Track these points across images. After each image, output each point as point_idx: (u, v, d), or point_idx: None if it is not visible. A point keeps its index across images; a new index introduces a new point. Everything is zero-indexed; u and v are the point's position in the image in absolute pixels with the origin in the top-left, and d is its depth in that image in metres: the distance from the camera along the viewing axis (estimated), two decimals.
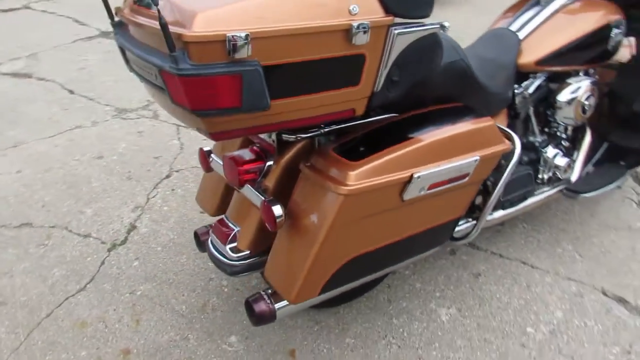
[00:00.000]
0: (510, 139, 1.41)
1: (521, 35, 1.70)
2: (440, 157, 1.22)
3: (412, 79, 1.21)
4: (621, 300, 1.76)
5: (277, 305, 1.26)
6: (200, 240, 1.55)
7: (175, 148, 2.55)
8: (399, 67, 1.16)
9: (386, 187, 1.16)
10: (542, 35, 1.70)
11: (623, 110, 1.87)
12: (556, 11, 1.74)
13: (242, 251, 1.35)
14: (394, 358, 1.52)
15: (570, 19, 1.71)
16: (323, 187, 1.15)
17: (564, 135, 1.89)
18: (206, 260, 1.85)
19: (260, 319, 1.25)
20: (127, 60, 1.24)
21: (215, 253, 1.38)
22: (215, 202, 1.56)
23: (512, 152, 1.41)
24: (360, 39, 1.03)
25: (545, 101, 1.80)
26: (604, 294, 1.78)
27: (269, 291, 1.29)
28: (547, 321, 1.66)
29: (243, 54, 0.93)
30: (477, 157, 1.28)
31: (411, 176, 1.17)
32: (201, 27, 0.90)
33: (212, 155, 1.48)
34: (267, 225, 1.20)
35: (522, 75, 1.70)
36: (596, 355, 1.55)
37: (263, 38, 0.94)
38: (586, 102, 1.75)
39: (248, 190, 1.29)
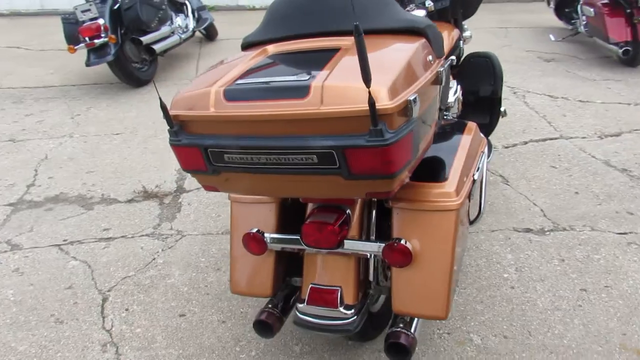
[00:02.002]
0: None
1: None
2: (475, 158, 1.53)
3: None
4: (528, 230, 2.38)
5: (412, 330, 1.36)
6: (269, 325, 1.48)
7: (81, 269, 2.15)
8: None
9: (467, 194, 1.40)
10: None
11: (470, 98, 2.50)
12: None
13: (353, 305, 1.39)
14: (475, 353, 1.77)
15: None
16: (431, 210, 1.32)
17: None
18: (238, 352, 1.72)
19: (410, 348, 1.32)
20: (209, 161, 1.17)
21: (327, 322, 1.38)
22: (270, 280, 1.52)
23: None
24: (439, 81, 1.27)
25: None
26: (517, 230, 2.38)
27: (400, 325, 1.37)
28: (509, 264, 2.15)
29: (416, 111, 1.06)
30: (485, 150, 1.64)
31: (474, 179, 1.45)
32: (390, 97, 1.00)
33: (268, 234, 1.44)
34: (399, 263, 1.30)
35: None
36: (551, 269, 2.10)
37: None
38: (461, 98, 2.30)
39: (350, 245, 1.35)
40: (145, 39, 4.24)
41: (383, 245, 1.32)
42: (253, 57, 1.33)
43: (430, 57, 1.25)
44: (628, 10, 4.36)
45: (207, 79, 1.25)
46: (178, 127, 1.18)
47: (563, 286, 2.01)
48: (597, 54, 5.13)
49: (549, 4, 6.05)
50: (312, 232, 1.34)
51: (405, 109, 1.04)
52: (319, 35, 1.36)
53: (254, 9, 8.29)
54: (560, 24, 5.91)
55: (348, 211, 1.38)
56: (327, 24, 1.36)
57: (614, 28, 4.43)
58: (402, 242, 1.30)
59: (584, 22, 5.00)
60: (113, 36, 3.97)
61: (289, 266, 1.57)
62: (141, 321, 1.87)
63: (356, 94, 1.00)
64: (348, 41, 1.28)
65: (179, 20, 4.94)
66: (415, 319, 1.40)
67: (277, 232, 1.49)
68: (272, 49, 1.37)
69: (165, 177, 2.91)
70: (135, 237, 2.37)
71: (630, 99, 3.95)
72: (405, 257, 1.29)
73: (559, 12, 5.86)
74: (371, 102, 0.95)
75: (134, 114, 3.93)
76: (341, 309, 1.38)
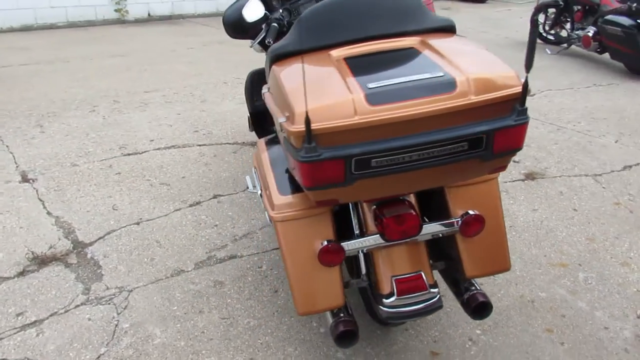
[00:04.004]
0: None
1: None
2: None
3: None
4: None
5: (480, 288, 1.56)
6: (354, 333, 1.47)
7: None
8: None
9: None
10: None
11: None
12: None
13: (434, 283, 1.50)
14: None
15: None
16: (480, 182, 1.53)
17: None
18: None
19: (491, 303, 1.51)
20: (350, 170, 1.15)
21: (422, 305, 1.46)
22: (340, 288, 1.50)
23: None
24: None
25: None
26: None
27: (471, 288, 1.55)
28: None
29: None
30: None
31: None
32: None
33: (346, 242, 1.44)
34: (476, 232, 1.47)
35: None
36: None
37: None
38: None
39: (428, 229, 1.46)
40: None
41: (459, 221, 1.47)
42: (337, 62, 1.31)
43: None
44: None
45: (317, 89, 1.18)
46: (314, 142, 1.11)
47: None
48: None
49: None
50: (397, 226, 1.40)
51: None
52: (368, 39, 1.41)
53: None
54: None
55: (407, 199, 1.49)
56: (371, 29, 1.42)
57: None
58: (474, 212, 1.48)
59: None
60: None
61: None
62: None
63: (499, 81, 1.14)
64: (411, 40, 1.37)
65: None
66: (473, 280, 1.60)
67: (337, 239, 1.49)
68: (337, 53, 1.36)
69: (48, 235, 2.38)
70: (70, 311, 1.91)
71: None
72: (482, 225, 1.48)
73: None
74: (525, 85, 1.11)
75: None
76: (431, 289, 1.48)
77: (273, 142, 1.83)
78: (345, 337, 1.47)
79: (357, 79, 1.20)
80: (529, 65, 1.10)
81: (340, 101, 1.13)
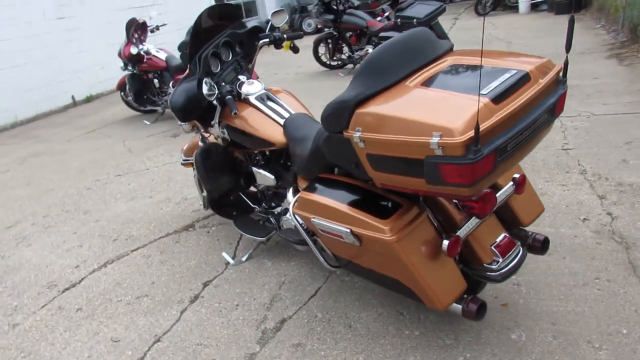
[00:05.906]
0: None
1: None
2: None
3: None
4: None
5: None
6: (485, 305, 1.76)
7: None
8: None
9: None
10: None
11: None
12: None
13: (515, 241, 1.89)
14: None
15: None
16: None
17: None
18: None
19: (548, 238, 1.97)
20: (496, 158, 1.47)
21: (518, 257, 1.83)
22: (460, 274, 1.77)
23: None
24: None
25: None
26: None
27: (530, 234, 1.97)
28: None
29: None
30: None
31: None
32: None
33: (459, 232, 1.72)
34: (523, 190, 1.90)
35: None
36: None
37: None
38: None
39: (500, 196, 1.84)
40: None
41: (512, 184, 1.89)
42: (420, 87, 1.58)
43: None
44: None
45: (439, 107, 1.47)
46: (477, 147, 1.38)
47: None
48: None
49: (127, 96, 6.67)
50: (486, 205, 1.74)
51: None
52: (420, 68, 1.71)
53: None
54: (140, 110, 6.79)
55: None
56: (418, 60, 1.72)
57: None
58: (519, 174, 1.90)
59: None
60: None
61: None
62: None
63: (545, 64, 1.60)
64: (450, 60, 1.73)
65: None
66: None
67: (438, 233, 1.76)
68: (411, 83, 1.62)
69: None
70: None
71: None
72: (526, 182, 1.92)
73: (139, 101, 6.56)
74: (566, 62, 1.58)
75: None
76: (518, 244, 1.86)
77: (318, 185, 1.98)
78: (481, 311, 1.75)
79: (459, 91, 1.52)
80: (568, 47, 1.57)
81: (481, 110, 1.43)
